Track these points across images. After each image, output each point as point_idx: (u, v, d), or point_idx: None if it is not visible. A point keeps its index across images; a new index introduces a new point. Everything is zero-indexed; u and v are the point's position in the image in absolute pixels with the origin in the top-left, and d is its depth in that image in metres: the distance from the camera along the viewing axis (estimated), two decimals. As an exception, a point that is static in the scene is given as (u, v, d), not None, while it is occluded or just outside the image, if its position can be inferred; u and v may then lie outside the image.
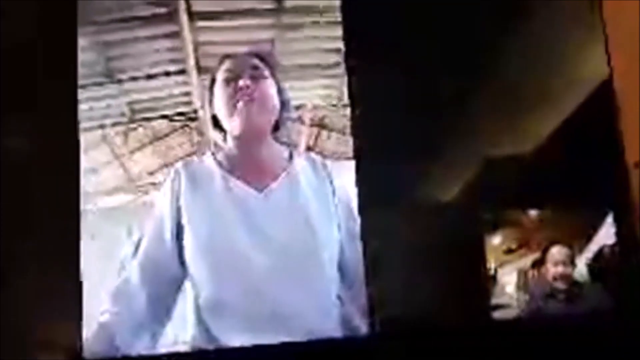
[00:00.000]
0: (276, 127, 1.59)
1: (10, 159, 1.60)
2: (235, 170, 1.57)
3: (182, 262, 1.52)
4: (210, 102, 1.59)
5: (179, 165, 1.59)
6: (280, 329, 1.47)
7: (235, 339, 1.48)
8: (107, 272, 1.56)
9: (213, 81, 1.59)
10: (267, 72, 1.59)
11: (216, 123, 1.59)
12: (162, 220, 1.54)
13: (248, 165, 1.57)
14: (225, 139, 1.58)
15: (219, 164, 1.58)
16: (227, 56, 1.61)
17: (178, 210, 1.54)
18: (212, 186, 1.56)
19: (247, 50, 1.64)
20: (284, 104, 1.60)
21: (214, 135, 1.60)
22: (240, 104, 1.54)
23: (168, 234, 1.53)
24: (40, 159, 1.60)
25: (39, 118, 1.61)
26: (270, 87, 1.58)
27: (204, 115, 1.62)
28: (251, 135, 1.56)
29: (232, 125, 1.56)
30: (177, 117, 1.69)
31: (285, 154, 1.61)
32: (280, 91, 1.60)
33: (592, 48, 1.68)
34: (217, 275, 1.50)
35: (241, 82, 1.56)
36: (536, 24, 1.70)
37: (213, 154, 1.60)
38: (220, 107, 1.57)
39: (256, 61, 1.60)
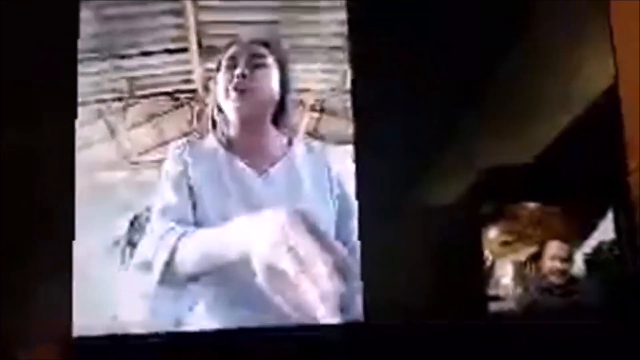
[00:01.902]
0: (276, 114, 1.60)
1: (6, 134, 1.58)
2: (236, 152, 1.58)
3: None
4: (216, 86, 1.60)
5: (183, 140, 1.61)
6: (273, 311, 1.46)
7: (230, 321, 1.48)
8: (99, 251, 1.55)
9: (219, 67, 1.60)
10: (269, 60, 1.59)
11: (220, 106, 1.59)
12: (178, 177, 1.54)
13: (248, 149, 1.58)
14: (227, 122, 1.58)
15: (222, 143, 1.59)
16: (232, 43, 1.61)
17: (187, 176, 1.55)
18: (215, 162, 1.56)
19: (253, 36, 1.63)
20: (286, 91, 1.60)
21: (217, 117, 1.60)
22: (234, 93, 1.55)
23: (186, 190, 1.53)
24: (36, 134, 1.58)
25: (37, 92, 1.59)
26: (269, 76, 1.59)
27: (210, 97, 1.62)
28: (248, 121, 1.57)
29: (228, 111, 1.57)
30: (176, 95, 1.68)
31: (285, 139, 1.61)
32: (283, 79, 1.60)
33: (597, 51, 1.68)
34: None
35: (237, 71, 1.56)
36: (543, 26, 1.70)
37: (216, 134, 1.59)
38: (219, 92, 1.58)
39: (260, 48, 1.60)
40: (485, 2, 1.69)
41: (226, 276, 1.45)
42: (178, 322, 1.49)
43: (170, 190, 1.53)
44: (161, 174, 1.56)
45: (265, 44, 1.61)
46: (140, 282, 1.50)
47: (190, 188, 1.53)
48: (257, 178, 1.55)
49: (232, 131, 1.58)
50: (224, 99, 1.57)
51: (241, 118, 1.56)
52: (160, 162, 1.58)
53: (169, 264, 1.47)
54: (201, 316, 1.49)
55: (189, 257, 1.46)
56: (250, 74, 1.56)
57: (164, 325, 1.50)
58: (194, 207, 1.52)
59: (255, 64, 1.58)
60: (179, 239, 1.47)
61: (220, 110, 1.59)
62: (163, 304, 1.49)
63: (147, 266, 1.48)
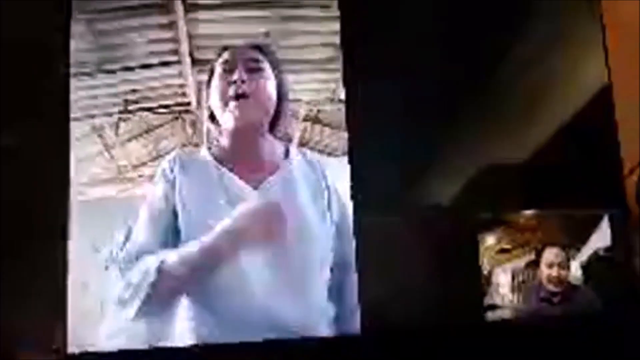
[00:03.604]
0: (273, 122, 1.56)
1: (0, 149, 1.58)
2: (230, 164, 1.54)
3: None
4: (208, 94, 1.56)
5: (173, 154, 1.57)
6: (270, 326, 1.45)
7: (225, 336, 1.46)
8: (93, 265, 1.54)
9: (212, 73, 1.57)
10: (265, 65, 1.56)
11: (213, 116, 1.56)
12: (159, 206, 1.51)
13: (243, 160, 1.54)
14: (220, 132, 1.55)
15: (214, 156, 1.55)
16: (225, 48, 1.59)
17: (173, 197, 1.51)
18: (207, 178, 1.53)
19: (247, 42, 1.62)
20: (282, 98, 1.57)
21: (210, 127, 1.57)
22: (233, 99, 1.52)
23: (164, 221, 1.50)
24: (31, 149, 1.58)
25: (30, 107, 1.59)
26: (267, 81, 1.56)
27: (201, 107, 1.60)
28: (245, 130, 1.53)
29: (226, 119, 1.53)
30: (170, 109, 1.67)
31: (281, 149, 1.58)
32: (279, 85, 1.57)
33: (591, 53, 1.68)
34: None
35: (235, 76, 1.53)
36: (537, 28, 1.70)
37: (209, 147, 1.57)
38: (215, 100, 1.54)
39: (255, 54, 1.57)
40: (484, 4, 1.69)
41: (214, 288, 1.44)
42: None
43: (147, 223, 1.50)
44: (148, 193, 1.54)
45: (259, 49, 1.59)
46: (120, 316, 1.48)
47: (175, 208, 1.50)
48: (251, 191, 1.51)
49: (227, 141, 1.54)
50: (221, 106, 1.53)
51: (239, 125, 1.52)
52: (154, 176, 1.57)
53: (150, 295, 1.43)
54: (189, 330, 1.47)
55: (173, 281, 1.44)
56: (248, 78, 1.54)
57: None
58: (177, 229, 1.49)
59: (252, 68, 1.55)
60: (158, 269, 1.44)
61: (213, 119, 1.56)
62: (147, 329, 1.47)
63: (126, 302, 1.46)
